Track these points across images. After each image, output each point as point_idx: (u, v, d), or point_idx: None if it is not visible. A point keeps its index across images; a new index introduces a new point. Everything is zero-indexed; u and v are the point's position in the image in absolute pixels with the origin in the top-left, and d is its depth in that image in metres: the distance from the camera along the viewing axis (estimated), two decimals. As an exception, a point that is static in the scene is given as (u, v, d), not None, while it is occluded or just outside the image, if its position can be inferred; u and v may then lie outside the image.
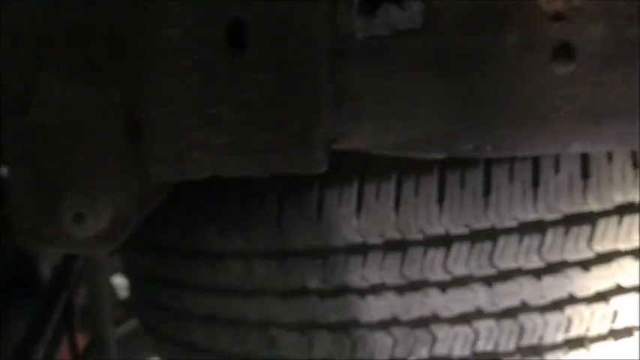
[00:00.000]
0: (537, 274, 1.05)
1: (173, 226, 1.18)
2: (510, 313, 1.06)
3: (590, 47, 0.83)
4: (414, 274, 1.05)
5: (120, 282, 2.23)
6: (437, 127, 0.82)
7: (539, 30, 0.82)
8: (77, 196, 0.67)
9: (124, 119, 0.69)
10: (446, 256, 1.04)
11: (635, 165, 1.05)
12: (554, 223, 1.04)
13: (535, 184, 1.03)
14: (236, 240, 1.10)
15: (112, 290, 2.11)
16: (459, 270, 1.05)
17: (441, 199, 1.04)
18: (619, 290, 1.07)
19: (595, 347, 1.10)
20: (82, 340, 1.63)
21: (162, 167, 0.67)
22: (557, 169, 1.03)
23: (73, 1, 0.66)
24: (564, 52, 0.83)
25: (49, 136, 0.65)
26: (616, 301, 1.08)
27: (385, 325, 1.09)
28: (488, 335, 1.07)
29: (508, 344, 1.07)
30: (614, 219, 1.04)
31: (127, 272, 1.50)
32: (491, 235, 1.03)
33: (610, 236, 1.05)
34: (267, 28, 0.69)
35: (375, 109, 0.79)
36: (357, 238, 1.05)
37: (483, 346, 1.08)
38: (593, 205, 1.03)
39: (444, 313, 1.07)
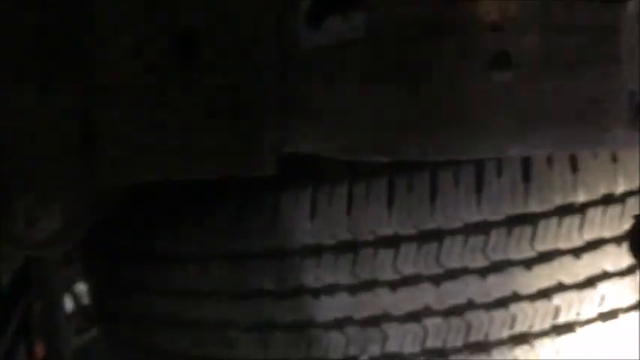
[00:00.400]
0: (482, 273, 1.09)
1: (130, 229, 1.20)
2: (457, 310, 1.10)
3: (526, 56, 0.88)
4: (365, 274, 1.09)
5: (83, 289, 2.23)
6: (381, 132, 0.86)
7: (477, 40, 0.87)
8: (30, 199, 0.69)
9: (76, 123, 0.71)
10: (395, 257, 1.08)
11: (573, 169, 1.10)
12: (498, 224, 1.08)
13: (479, 188, 1.07)
14: (193, 243, 1.13)
15: (75, 298, 2.11)
16: (408, 269, 1.09)
17: (390, 202, 1.08)
18: (560, 288, 1.12)
19: (539, 343, 1.15)
20: (42, 349, 1.63)
21: (113, 170, 0.69)
22: (499, 173, 1.08)
23: (25, 7, 0.68)
24: (502, 60, 0.88)
25: (1, 140, 0.68)
26: (558, 298, 1.13)
27: (339, 324, 1.12)
28: (437, 332, 1.11)
29: (456, 341, 1.11)
30: (554, 220, 1.09)
31: (87, 278, 1.51)
32: (438, 235, 1.07)
33: (551, 236, 1.10)
34: (218, 37, 0.72)
35: (322, 115, 0.83)
36: (311, 240, 1.09)
37: (432, 343, 1.12)
38: (535, 207, 1.08)
39: (395, 312, 1.11)
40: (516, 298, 1.10)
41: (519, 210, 1.08)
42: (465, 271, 1.09)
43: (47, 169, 0.71)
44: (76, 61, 0.70)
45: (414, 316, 1.10)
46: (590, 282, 1.12)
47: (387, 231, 1.08)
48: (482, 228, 1.08)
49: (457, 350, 1.11)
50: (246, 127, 0.73)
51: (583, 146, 1.01)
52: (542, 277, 1.10)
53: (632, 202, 1.14)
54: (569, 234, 1.10)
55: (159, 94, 0.70)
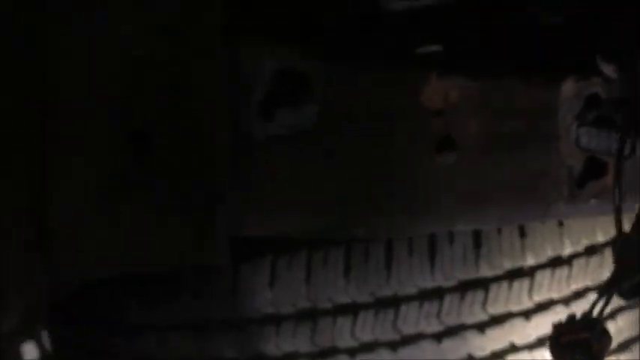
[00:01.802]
0: (438, 337, 1.13)
1: (94, 299, 1.22)
2: (414, 374, 1.14)
3: (468, 139, 0.93)
4: (324, 341, 1.12)
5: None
6: (331, 214, 0.90)
7: (422, 126, 0.91)
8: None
9: (35, 221, 0.74)
10: (353, 324, 1.11)
11: (521, 234, 1.15)
12: (451, 290, 1.13)
13: (432, 254, 1.12)
14: (154, 313, 1.15)
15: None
16: (366, 336, 1.12)
17: (347, 270, 1.11)
18: (513, 349, 1.16)
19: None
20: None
21: (70, 267, 0.72)
22: (451, 241, 1.12)
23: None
24: (446, 144, 0.93)
25: None
26: (511, 360, 1.17)
27: (299, 390, 1.15)
28: (395, 396, 1.15)
29: (413, 404, 1.15)
30: (504, 284, 1.14)
31: (51, 341, 1.51)
32: (394, 302, 1.11)
33: (502, 299, 1.14)
34: (170, 132, 0.76)
35: (276, 201, 0.86)
36: (270, 309, 1.12)
37: (390, 406, 1.15)
38: (486, 272, 1.13)
39: (354, 377, 1.14)
40: (470, 360, 1.15)
41: (471, 275, 1.13)
42: (420, 337, 1.12)
43: (3, 265, 0.73)
44: (30, 160, 0.73)
45: (373, 381, 1.13)
46: (541, 342, 1.16)
47: (345, 299, 1.11)
48: (437, 294, 1.12)
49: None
50: (200, 218, 0.76)
51: (526, 220, 1.06)
52: (495, 339, 1.15)
53: (578, 263, 1.20)
54: (520, 297, 1.15)
55: (114, 190, 0.73)
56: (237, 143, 0.82)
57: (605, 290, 0.76)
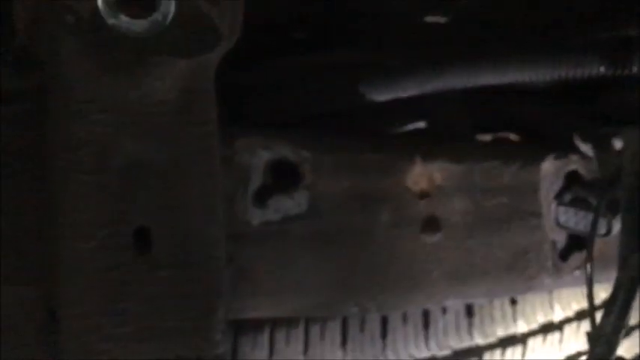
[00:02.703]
0: (434, 406, 1.16)
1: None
2: None
3: (453, 218, 0.98)
4: (323, 412, 1.15)
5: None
6: (324, 294, 0.93)
7: (408, 208, 0.96)
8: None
9: (41, 314, 0.78)
10: (351, 395, 1.15)
11: (512, 302, 1.19)
12: (446, 359, 1.16)
13: (426, 325, 1.15)
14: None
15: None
16: (364, 406, 1.15)
17: (344, 342, 1.15)
18: (508, 415, 1.19)
19: None
20: None
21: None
22: (444, 311, 1.16)
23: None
24: (431, 224, 0.97)
25: None
26: None
27: None
28: None
29: None
30: (497, 351, 1.17)
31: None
32: (390, 373, 1.15)
33: (495, 367, 1.18)
34: (169, 231, 0.80)
35: (270, 285, 0.90)
36: (269, 382, 1.15)
37: None
38: (479, 340, 1.16)
39: None
40: None
41: (465, 344, 1.16)
42: (416, 406, 1.16)
43: (14, 353, 0.77)
44: (39, 255, 0.77)
45: None
46: (536, 408, 1.19)
47: (342, 370, 1.15)
48: (431, 363, 1.16)
49: None
50: (199, 311, 0.80)
51: (512, 294, 1.10)
52: (490, 406, 1.18)
53: (570, 328, 1.23)
54: (513, 364, 1.18)
55: (116, 288, 0.77)
56: (233, 230, 0.87)
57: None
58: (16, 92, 0.84)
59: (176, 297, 0.81)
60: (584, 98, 1.08)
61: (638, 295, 0.78)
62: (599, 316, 0.85)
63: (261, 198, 0.91)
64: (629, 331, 1.20)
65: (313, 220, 0.92)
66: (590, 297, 0.80)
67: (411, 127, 1.14)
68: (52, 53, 0.74)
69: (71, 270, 0.77)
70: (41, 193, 0.81)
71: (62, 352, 0.79)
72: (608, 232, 0.91)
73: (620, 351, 0.74)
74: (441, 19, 1.12)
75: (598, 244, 0.96)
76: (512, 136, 1.12)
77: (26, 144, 0.81)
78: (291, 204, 0.92)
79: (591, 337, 0.76)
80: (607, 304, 0.79)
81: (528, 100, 1.10)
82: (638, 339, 1.21)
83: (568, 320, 1.26)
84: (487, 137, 1.13)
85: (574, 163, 1.03)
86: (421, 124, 1.15)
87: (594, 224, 0.85)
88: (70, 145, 0.75)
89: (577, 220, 0.94)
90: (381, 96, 0.94)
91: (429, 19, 1.14)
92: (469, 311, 1.18)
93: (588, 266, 0.83)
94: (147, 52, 0.65)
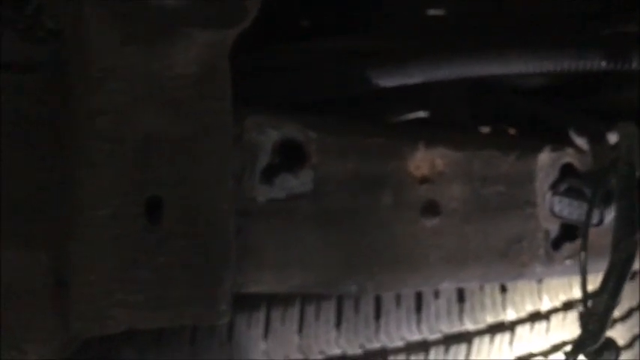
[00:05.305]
0: (423, 388, 1.19)
1: (92, 343, 1.27)
2: None
3: (452, 204, 1.01)
4: (315, 391, 1.18)
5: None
6: (326, 272, 0.96)
7: (409, 191, 0.99)
8: (5, 350, 0.76)
9: (52, 280, 0.80)
10: (343, 375, 1.18)
11: (502, 289, 1.22)
12: (436, 343, 1.19)
13: (418, 308, 1.18)
14: (152, 360, 1.20)
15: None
16: (355, 386, 1.18)
17: (338, 323, 1.17)
18: (495, 401, 1.23)
19: None
20: None
21: (85, 324, 0.78)
22: (436, 295, 1.19)
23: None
24: (431, 208, 1.00)
25: None
26: (493, 412, 1.23)
27: None
28: None
29: None
30: (486, 337, 1.21)
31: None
32: (382, 354, 1.17)
33: (484, 352, 1.21)
34: (180, 202, 0.82)
35: (275, 260, 0.93)
36: (264, 360, 1.18)
37: None
38: (469, 326, 1.20)
39: None
40: (454, 412, 1.20)
41: (455, 329, 1.19)
42: (407, 387, 1.18)
43: (24, 322, 0.79)
44: (52, 224, 0.79)
45: None
46: (521, 394, 1.23)
47: (336, 351, 1.17)
48: (422, 346, 1.18)
49: None
50: (207, 281, 0.82)
51: (505, 280, 1.13)
52: (478, 391, 1.21)
53: (556, 318, 1.26)
54: (501, 350, 1.21)
55: (128, 256, 0.79)
56: (241, 206, 0.89)
57: (571, 353, 0.82)
58: (27, 61, 0.86)
59: (185, 267, 0.83)
60: (581, 94, 1.12)
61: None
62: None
63: (268, 176, 0.93)
64: (629, 313, 1.25)
65: (317, 199, 0.95)
66: (584, 281, 0.83)
67: (413, 116, 1.17)
68: (74, 22, 0.76)
69: (84, 237, 0.80)
70: (55, 162, 0.83)
71: (73, 317, 0.81)
72: (601, 221, 0.95)
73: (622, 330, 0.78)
74: (443, 13, 1.16)
75: (590, 236, 0.99)
76: (511, 130, 1.16)
77: (40, 113, 0.84)
78: (297, 183, 0.94)
79: (583, 316, 0.79)
80: (600, 285, 0.82)
81: (527, 94, 1.13)
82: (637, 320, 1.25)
83: (555, 310, 1.29)
84: (486, 129, 1.16)
85: (569, 156, 1.07)
86: (423, 114, 1.18)
87: (589, 213, 0.88)
88: (89, 113, 0.78)
89: (571, 209, 0.97)
90: (388, 82, 0.97)
91: (433, 12, 1.17)
92: (460, 297, 1.21)
93: (582, 253, 0.86)
94: (175, 24, 0.67)
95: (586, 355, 0.82)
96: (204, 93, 0.81)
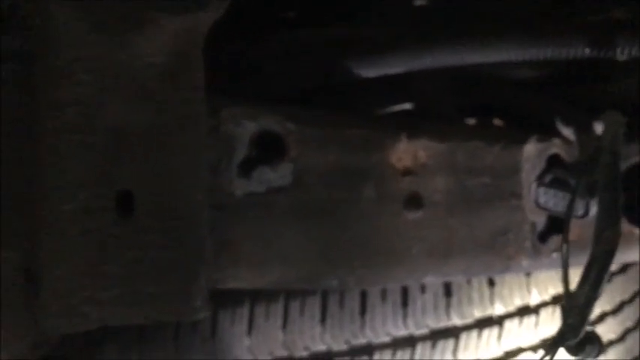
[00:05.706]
0: (410, 384, 1.17)
1: (74, 342, 1.25)
2: (386, 422, 1.17)
3: (435, 196, 0.99)
4: (300, 388, 1.16)
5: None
6: (306, 267, 0.94)
7: (391, 184, 0.97)
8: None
9: (21, 277, 0.78)
10: (328, 371, 1.16)
11: (490, 283, 1.20)
12: (423, 338, 1.17)
13: (404, 303, 1.16)
14: (134, 358, 1.18)
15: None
16: (341, 383, 1.16)
17: (323, 319, 1.16)
18: (483, 395, 1.21)
19: None
20: None
21: (55, 322, 0.76)
22: (423, 290, 1.17)
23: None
24: (414, 201, 0.98)
25: None
26: (481, 406, 1.21)
27: None
28: None
29: None
30: (474, 332, 1.19)
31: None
32: (368, 350, 1.15)
33: (472, 348, 1.19)
34: (152, 195, 0.80)
35: (252, 255, 0.91)
36: (247, 356, 1.15)
37: None
38: (456, 320, 1.18)
39: None
40: (442, 407, 1.18)
41: (442, 324, 1.17)
42: (393, 383, 1.17)
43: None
44: (22, 219, 0.77)
45: None
46: (510, 389, 1.21)
47: (321, 346, 1.15)
48: (409, 342, 1.16)
49: None
50: (181, 277, 0.80)
51: (490, 274, 1.11)
52: (465, 386, 1.19)
53: (546, 312, 1.25)
54: (489, 345, 1.20)
55: (98, 251, 0.77)
56: (216, 200, 0.87)
57: (551, 347, 0.80)
58: (3, 53, 0.84)
59: (157, 262, 0.81)
60: (568, 85, 1.10)
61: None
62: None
63: (246, 169, 0.91)
64: (620, 306, 1.23)
65: (297, 193, 0.93)
66: (565, 274, 0.81)
67: (398, 108, 1.15)
68: (40, 11, 0.74)
69: (52, 231, 0.78)
70: (24, 155, 0.81)
71: (42, 314, 0.79)
72: (586, 213, 0.93)
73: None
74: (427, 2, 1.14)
75: (575, 228, 0.97)
76: (496, 121, 1.14)
77: (11, 105, 0.82)
78: (275, 176, 0.92)
79: (564, 308, 0.78)
80: (581, 277, 0.80)
81: (512, 85, 1.11)
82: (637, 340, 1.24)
83: (544, 304, 1.27)
84: (471, 121, 1.14)
85: (556, 147, 1.04)
86: (407, 106, 1.16)
87: (571, 204, 0.86)
88: (55, 105, 0.76)
89: (556, 201, 0.95)
90: (369, 72, 0.95)
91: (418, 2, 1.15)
92: (447, 291, 1.19)
93: (564, 245, 0.84)
94: (142, 10, 0.65)
95: (567, 350, 0.80)
96: (177, 83, 0.78)
